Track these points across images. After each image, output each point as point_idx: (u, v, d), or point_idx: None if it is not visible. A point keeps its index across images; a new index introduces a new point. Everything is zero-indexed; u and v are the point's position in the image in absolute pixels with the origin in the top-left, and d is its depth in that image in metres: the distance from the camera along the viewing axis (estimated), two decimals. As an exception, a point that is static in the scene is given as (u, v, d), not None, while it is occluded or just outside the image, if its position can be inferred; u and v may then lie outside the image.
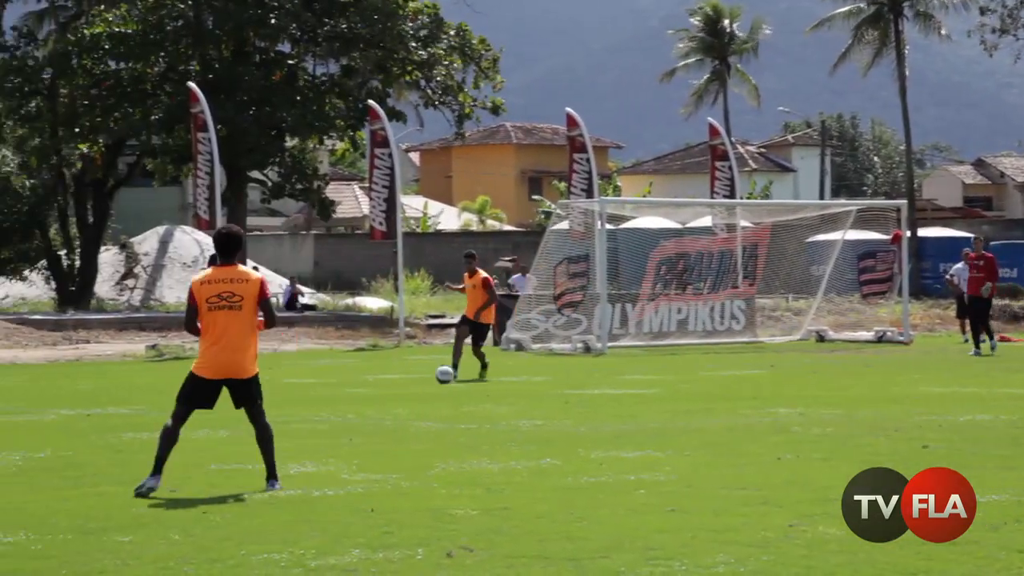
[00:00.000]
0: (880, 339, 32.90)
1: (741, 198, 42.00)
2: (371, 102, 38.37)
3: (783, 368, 25.31)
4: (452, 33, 46.78)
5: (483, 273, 23.64)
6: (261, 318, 11.72)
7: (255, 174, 46.73)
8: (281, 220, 69.97)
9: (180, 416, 11.76)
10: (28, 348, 32.93)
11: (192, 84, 35.56)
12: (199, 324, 11.59)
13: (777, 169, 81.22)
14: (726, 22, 75.15)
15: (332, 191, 53.02)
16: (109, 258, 53.88)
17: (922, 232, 54.58)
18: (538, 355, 30.03)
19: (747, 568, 8.33)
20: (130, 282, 54.03)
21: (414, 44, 46.04)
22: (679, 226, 42.71)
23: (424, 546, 9.14)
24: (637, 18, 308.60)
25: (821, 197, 71.42)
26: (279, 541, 9.33)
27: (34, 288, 51.75)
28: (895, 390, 20.32)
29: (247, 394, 11.76)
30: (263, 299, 11.64)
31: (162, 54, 45.68)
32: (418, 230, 66.72)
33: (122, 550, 9.18)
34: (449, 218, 74.09)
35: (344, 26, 45.66)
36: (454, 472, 12.57)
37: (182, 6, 45.62)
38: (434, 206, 74.52)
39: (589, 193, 35.68)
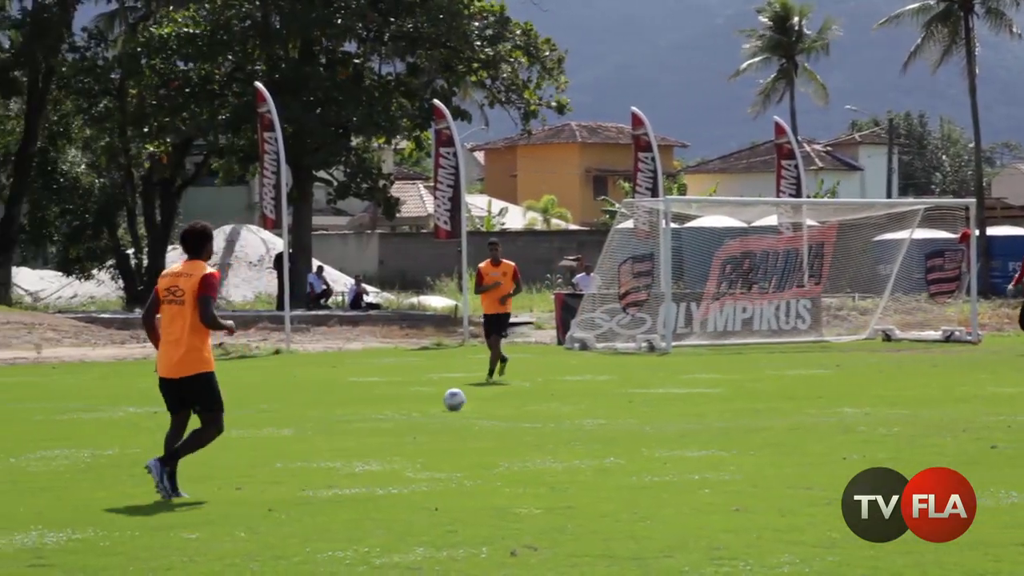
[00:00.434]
0: (948, 338, 32.62)
1: (807, 197, 41.77)
2: (436, 101, 38.44)
3: (849, 368, 25.15)
4: (518, 32, 46.80)
5: (510, 262, 23.04)
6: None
7: (321, 173, 46.94)
8: (346, 219, 70.24)
9: (171, 424, 11.56)
10: (97, 346, 33.23)
11: (259, 84, 35.75)
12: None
13: (844, 168, 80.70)
14: (795, 20, 74.75)
15: (397, 190, 53.19)
16: (176, 257, 54.24)
17: (991, 231, 54.09)
18: (602, 354, 29.98)
19: (812, 569, 8.28)
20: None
21: (479, 43, 46.10)
22: (744, 225, 42.52)
23: (488, 545, 9.14)
24: (703, 16, 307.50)
25: (888, 196, 70.89)
26: (344, 539, 9.36)
27: (103, 287, 52.29)
28: (962, 390, 20.14)
29: (189, 394, 11.34)
30: (199, 295, 11.21)
31: (229, 54, 45.98)
32: (482, 229, 66.79)
33: (188, 547, 9.24)
34: (514, 217, 74.12)
35: (410, 25, 45.78)
36: (518, 471, 12.57)
37: (249, 6, 45.90)
38: (498, 205, 74.55)
39: (654, 192, 35.59)
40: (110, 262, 50.15)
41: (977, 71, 58.09)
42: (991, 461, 12.73)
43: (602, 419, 16.68)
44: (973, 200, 39.83)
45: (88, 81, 47.81)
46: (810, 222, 35.56)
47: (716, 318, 32.48)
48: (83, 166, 51.17)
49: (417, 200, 72.48)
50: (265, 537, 9.52)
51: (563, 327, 33.14)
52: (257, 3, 45.64)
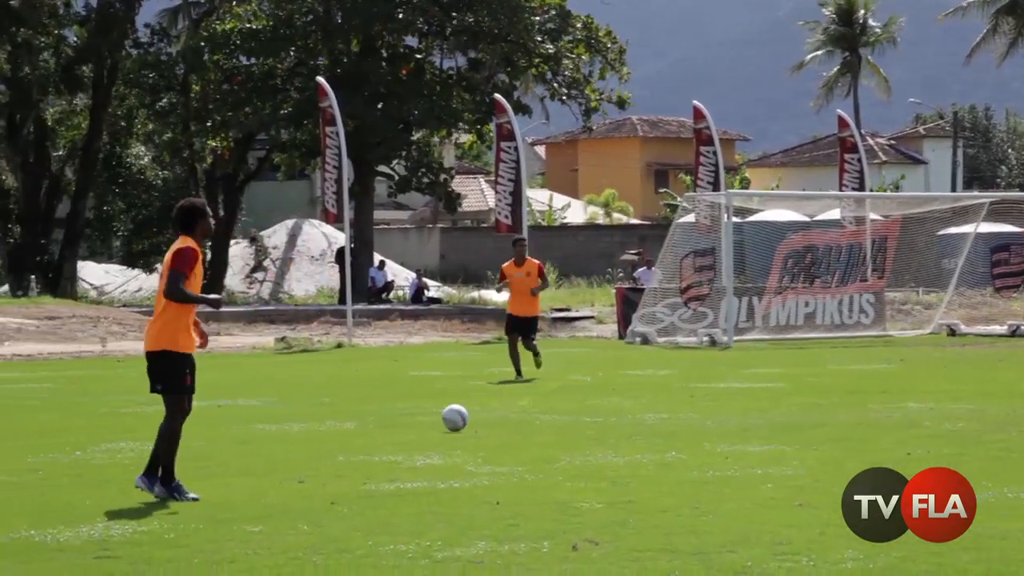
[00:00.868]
0: (1014, 333, 32.33)
1: (870, 191, 41.50)
2: (497, 96, 38.45)
3: (913, 362, 24.97)
4: (579, 26, 46.75)
5: (535, 260, 22.32)
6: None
7: (382, 168, 47.06)
8: (408, 214, 70.43)
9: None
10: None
11: (320, 79, 35.89)
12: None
13: (908, 161, 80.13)
14: (860, 12, 74.30)
15: (458, 184, 53.24)
16: (239, 251, 54.63)
17: (1057, 224, 53.49)
18: (663, 348, 29.92)
19: (876, 565, 8.23)
20: (259, 275, 54.75)
21: (540, 37, 46.07)
22: (807, 219, 42.31)
23: (549, 539, 9.14)
24: (765, 9, 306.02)
25: (953, 189, 70.34)
26: (406, 532, 9.39)
27: (166, 281, 52.51)
28: (1029, 385, 19.96)
29: (153, 372, 10.98)
30: (170, 268, 10.88)
31: (292, 49, 46.19)
32: (543, 223, 66.77)
33: (252, 540, 9.29)
34: (575, 211, 74.07)
35: (471, 20, 45.83)
36: (579, 465, 12.57)
37: (311, 1, 46.08)
38: (560, 199, 74.52)
39: (715, 186, 35.46)
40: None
41: (1043, 63, 57.51)
42: (1057, 457, 12.60)
43: (663, 413, 16.64)
44: (1039, 193, 39.44)
45: (152, 76, 48.16)
46: (873, 216, 35.32)
47: (778, 312, 32.33)
48: (147, 160, 51.56)
49: (478, 194, 72.56)
50: (328, 530, 9.56)
51: (624, 321, 33.08)
52: (319, -2, 45.83)
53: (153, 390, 11.01)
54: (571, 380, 21.76)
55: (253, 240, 55.63)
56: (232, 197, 50.79)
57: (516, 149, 35.40)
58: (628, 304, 33.19)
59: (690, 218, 34.93)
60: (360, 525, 9.71)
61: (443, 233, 64.09)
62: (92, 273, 54.78)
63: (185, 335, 10.97)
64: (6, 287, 48.82)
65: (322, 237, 56.48)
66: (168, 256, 10.95)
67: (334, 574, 8.25)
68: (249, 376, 23.52)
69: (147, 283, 53.04)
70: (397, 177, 46.86)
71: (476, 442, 14.28)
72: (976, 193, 53.48)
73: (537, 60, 46.56)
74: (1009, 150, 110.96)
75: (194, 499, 10.68)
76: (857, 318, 33.27)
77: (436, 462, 12.81)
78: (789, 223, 40.29)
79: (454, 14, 46.04)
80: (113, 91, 48.23)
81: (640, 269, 40.14)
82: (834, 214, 38.54)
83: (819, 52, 76.67)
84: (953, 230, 37.46)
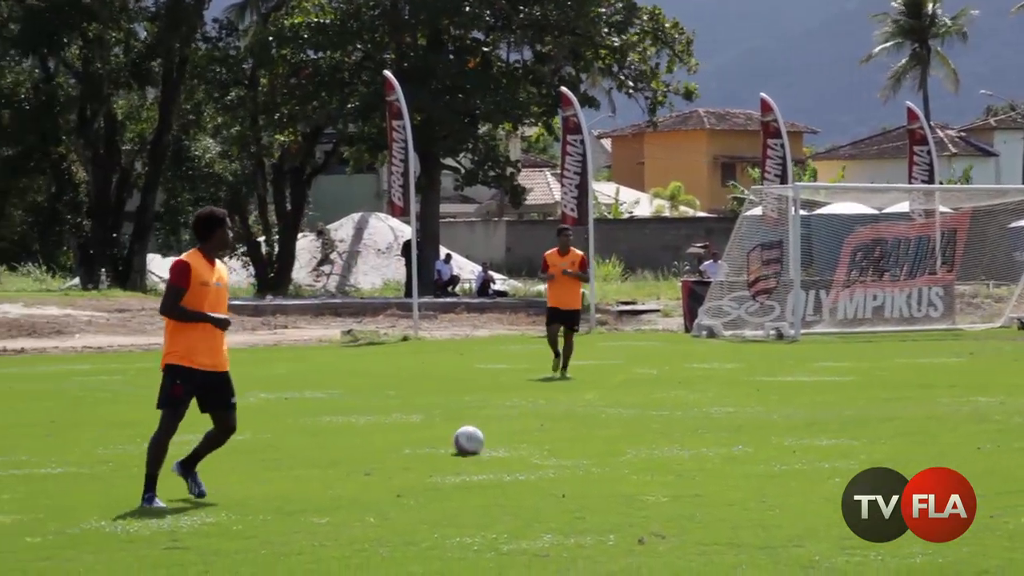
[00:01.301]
0: (1086, 327, 31.96)
1: (940, 183, 41.15)
2: (564, 88, 38.41)
3: (983, 356, 24.75)
4: (645, 18, 46.62)
5: (579, 251, 21.49)
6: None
7: (448, 161, 47.13)
8: (474, 207, 70.50)
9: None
10: (228, 333, 33.63)
11: (388, 72, 35.99)
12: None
13: (978, 153, 79.34)
14: (930, 5, 73.68)
15: (524, 178, 53.23)
16: (306, 244, 54.88)
17: None
18: (730, 341, 29.80)
19: (946, 559, 8.16)
20: (326, 268, 55.00)
21: (607, 30, 45.98)
22: (875, 212, 41.99)
23: (615, 532, 9.14)
24: (834, 1, 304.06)
25: (1024, 182, 69.55)
26: (472, 525, 9.41)
27: (234, 274, 52.93)
28: (1101, 380, 19.73)
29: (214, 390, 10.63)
30: (167, 282, 10.56)
31: (359, 43, 46.32)
32: (609, 216, 66.65)
33: (319, 531, 9.35)
34: (641, 204, 73.88)
35: (538, 13, 45.80)
36: (645, 458, 12.55)
37: (378, -5, 46.18)
38: (627, 193, 74.30)
39: (783, 179, 35.27)
40: (241, 249, 50.81)
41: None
42: None
43: (730, 407, 16.58)
44: (1112, 186, 38.97)
45: (220, 71, 48.44)
46: (943, 208, 35.02)
47: (846, 305, 32.12)
48: (215, 154, 51.91)
49: (544, 187, 72.51)
50: (394, 523, 9.59)
51: (690, 315, 32.97)
52: (386, -8, 45.94)
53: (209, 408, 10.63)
54: (637, 373, 21.71)
55: (320, 233, 55.88)
56: (299, 191, 51.02)
57: (582, 142, 35.35)
58: (694, 297, 33.08)
59: (757, 211, 34.76)
60: (426, 518, 9.74)
61: (509, 226, 64.10)
62: (161, 266, 55.18)
63: (175, 347, 10.41)
64: (77, 280, 49.31)
65: (388, 230, 56.65)
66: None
67: (400, 566, 8.28)
68: (316, 369, 23.63)
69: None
70: (463, 170, 46.90)
71: (542, 435, 14.29)
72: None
73: (603, 52, 46.48)
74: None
75: (160, 507, 10.22)
76: (926, 311, 33.00)
77: (502, 455, 12.82)
78: (857, 216, 40.01)
79: (520, 7, 46.02)
80: (182, 86, 48.58)
81: (706, 262, 40.01)
82: (903, 207, 38.25)
83: (888, 44, 76.06)
84: (1024, 223, 37.08)
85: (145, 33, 49.47)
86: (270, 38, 46.21)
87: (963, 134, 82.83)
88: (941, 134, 74.97)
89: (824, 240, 35.18)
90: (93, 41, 47.13)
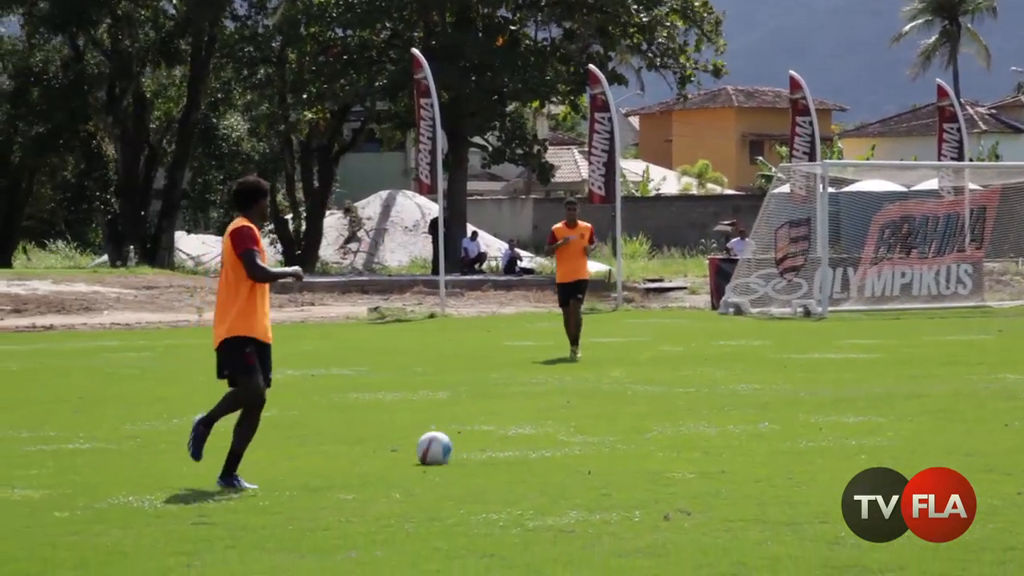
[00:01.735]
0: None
1: (970, 160, 40.94)
2: (592, 67, 38.32)
3: (1011, 333, 24.66)
4: (673, -5, 46.44)
5: (587, 223, 20.75)
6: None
7: (476, 139, 47.09)
8: (501, 184, 70.46)
9: None
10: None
11: (415, 50, 35.97)
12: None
13: (1008, 131, 78.91)
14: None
15: (551, 156, 53.17)
16: (333, 222, 54.96)
17: None
18: (757, 319, 29.76)
19: (973, 536, 8.13)
20: (353, 246, 55.07)
21: (636, 7, 45.83)
22: (904, 189, 41.84)
23: (641, 508, 9.15)
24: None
25: (1054, 159, 69.14)
26: (498, 501, 9.43)
27: (262, 252, 52.95)
28: None
29: (218, 365, 10.39)
30: (238, 252, 10.18)
31: (387, 21, 46.27)
32: (637, 194, 66.54)
33: (345, 507, 9.38)
34: (669, 182, 73.73)
35: (565, -10, 45.66)
36: (671, 435, 12.55)
37: (407, -27, 46.10)
38: (656, 171, 74.11)
39: (811, 156, 35.16)
40: (269, 227, 50.91)
41: None
42: None
43: (756, 384, 16.57)
44: None
45: (249, 49, 48.48)
46: (972, 186, 34.85)
47: (874, 283, 32.03)
48: (243, 132, 51.98)
49: (571, 165, 72.42)
50: (420, 499, 9.62)
51: (717, 292, 32.93)
52: (414, -30, 45.85)
53: (220, 376, 10.42)
54: (664, 351, 21.70)
55: (347, 211, 55.96)
56: (327, 168, 51.09)
57: (610, 120, 35.28)
58: (721, 275, 33.03)
59: (785, 188, 34.67)
60: (452, 494, 9.76)
61: (536, 204, 64.05)
62: (189, 244, 55.37)
63: (240, 318, 10.19)
64: (105, 257, 49.49)
65: (416, 208, 56.67)
66: (227, 240, 10.27)
67: (426, 542, 8.30)
68: (343, 346, 23.69)
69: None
70: (491, 148, 46.86)
71: (568, 412, 14.30)
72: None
73: (632, 30, 46.33)
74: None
75: (248, 487, 10.09)
76: (954, 289, 32.89)
77: (528, 432, 12.84)
78: (886, 193, 39.83)
79: (548, -16, 45.90)
80: (211, 64, 48.64)
81: (733, 240, 39.90)
82: (932, 184, 38.10)
83: (918, 21, 75.68)
84: (1054, 200, 36.85)
85: (174, 11, 49.52)
86: (299, 16, 46.20)
87: (993, 111, 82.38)
88: (971, 111, 74.60)
89: (852, 218, 35.09)
90: (122, 19, 47.22)
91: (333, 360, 20.49)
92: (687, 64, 46.66)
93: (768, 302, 31.29)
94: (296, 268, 10.70)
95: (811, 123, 35.51)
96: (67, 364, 20.57)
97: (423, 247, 52.40)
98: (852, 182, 42.67)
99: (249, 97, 50.75)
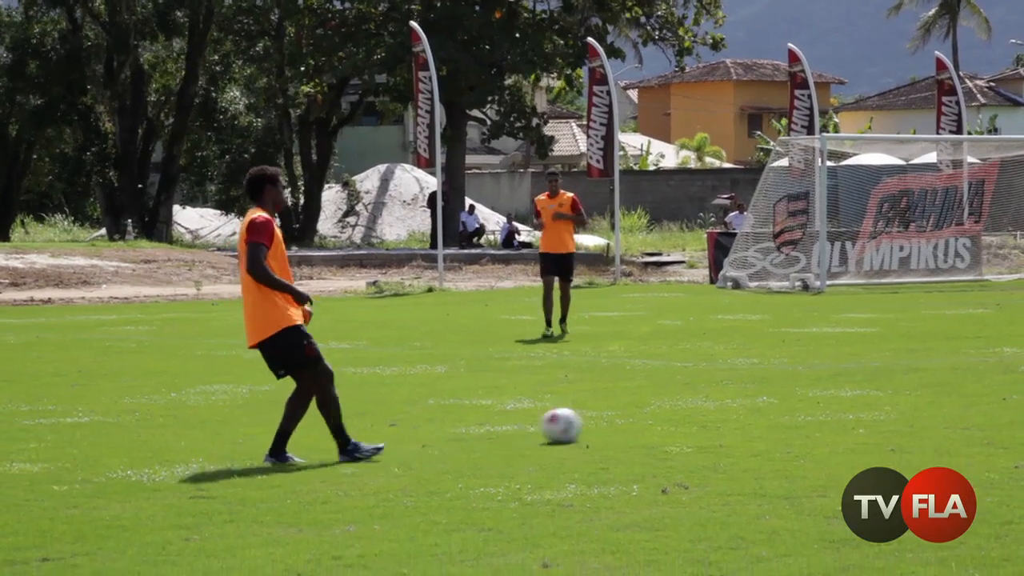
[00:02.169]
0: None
1: (968, 134, 40.91)
2: (590, 39, 38.24)
3: (1010, 307, 24.67)
4: (673, -32, 46.35)
5: (569, 193, 20.18)
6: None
7: (474, 112, 47.01)
8: (499, 158, 70.40)
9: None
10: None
11: (414, 23, 35.89)
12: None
13: (1007, 103, 78.82)
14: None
15: (550, 129, 53.06)
16: (331, 196, 54.91)
17: None
18: (755, 293, 29.77)
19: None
20: (351, 219, 55.04)
21: (635, -21, 45.71)
22: (902, 163, 41.82)
23: (639, 482, 9.16)
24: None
25: (1053, 132, 69.09)
26: (496, 475, 9.44)
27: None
28: None
29: (271, 360, 10.09)
30: (248, 242, 9.90)
31: (385, -7, 46.16)
32: (635, 168, 66.50)
33: (344, 481, 9.39)
34: (667, 155, 73.66)
35: (564, -38, 45.55)
36: (669, 409, 12.56)
37: (404, -55, 45.97)
38: (657, 146, 74.01)
39: (810, 130, 35.11)
40: (267, 200, 50.78)
41: None
42: None
43: (755, 358, 16.58)
44: None
45: (247, 22, 48.33)
46: (971, 159, 34.81)
47: (872, 257, 32.03)
48: (242, 106, 51.89)
49: (570, 139, 72.34)
50: (419, 473, 9.63)
51: (716, 266, 32.93)
52: (412, -58, 45.71)
53: (278, 375, 10.20)
54: (662, 325, 21.71)
55: (346, 185, 55.91)
56: (325, 142, 51.01)
57: (608, 93, 35.23)
58: (720, 248, 33.03)
59: (783, 162, 34.64)
60: (450, 468, 9.78)
61: (534, 178, 63.97)
62: (187, 218, 55.35)
63: (281, 307, 9.96)
64: (103, 230, 49.46)
65: (414, 182, 56.62)
66: (243, 228, 10.04)
67: (424, 515, 8.32)
68: (341, 320, 23.70)
69: (240, 228, 53.50)
70: (489, 122, 46.80)
71: (567, 386, 14.32)
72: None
73: (631, 3, 46.22)
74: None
75: (297, 461, 9.97)
76: (952, 262, 32.89)
77: (526, 406, 12.85)
78: (884, 167, 39.81)
79: (546, -43, 45.78)
80: (208, 36, 48.52)
81: (732, 213, 39.91)
82: (930, 157, 38.07)
83: (917, -7, 75.44)
84: (1053, 173, 36.82)
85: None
86: (296, -12, 46.06)
87: (992, 84, 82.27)
88: (970, 84, 74.49)
89: (850, 191, 35.04)
90: (119, -9, 47.08)
91: (331, 334, 20.48)
92: (685, 37, 46.57)
93: (766, 276, 31.29)
94: (304, 292, 10.15)
95: (810, 96, 35.46)
96: (65, 338, 20.58)
97: (421, 221, 52.38)
98: (851, 156, 42.64)
99: (248, 71, 50.64)
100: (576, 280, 33.71)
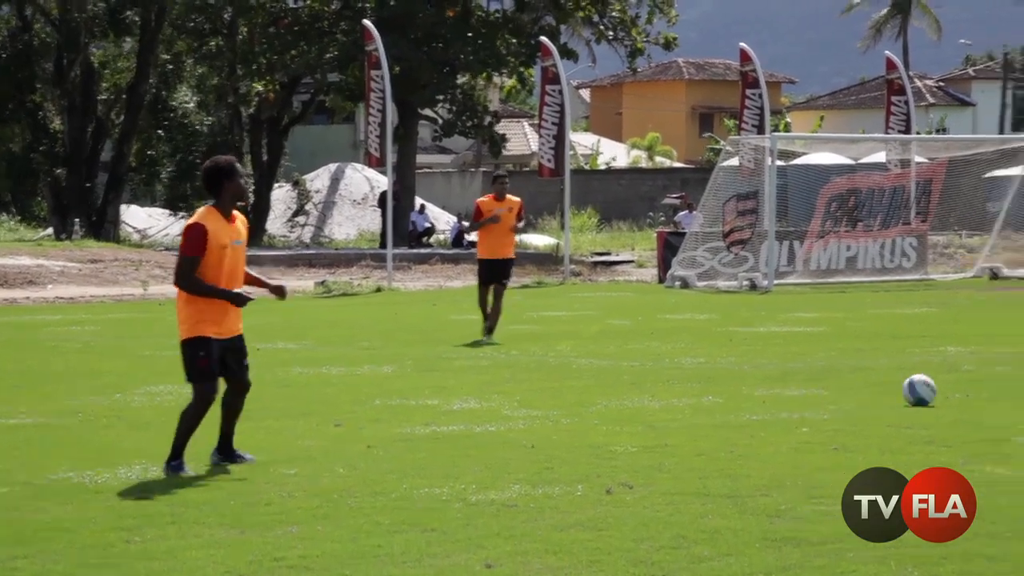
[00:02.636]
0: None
1: (917, 134, 41.16)
2: (543, 39, 38.25)
3: (954, 306, 24.84)
4: (626, -33, 46.43)
5: (516, 198, 19.59)
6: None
7: (426, 111, 46.94)
8: (450, 157, 70.35)
9: None
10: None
11: (367, 22, 35.81)
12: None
13: (956, 103, 79.41)
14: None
15: (501, 128, 53.06)
16: (281, 195, 54.73)
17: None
18: (703, 292, 29.86)
19: (909, 509, 8.22)
20: (301, 219, 54.88)
21: (587, -22, 45.77)
22: (851, 162, 42.05)
23: (584, 482, 9.18)
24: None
25: (1001, 132, 69.71)
26: (441, 475, 9.44)
27: (210, 224, 52.65)
28: (1072, 330, 19.82)
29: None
30: (180, 251, 9.76)
31: (338, -8, 46.05)
32: (587, 167, 66.59)
33: (288, 482, 9.37)
34: (618, 156, 73.79)
35: (517, -39, 45.54)
36: (615, 409, 12.59)
37: (358, -58, 45.83)
38: (608, 145, 74.12)
39: (760, 129, 35.23)
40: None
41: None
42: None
43: (701, 358, 16.63)
44: (1087, 136, 39.00)
45: (199, 20, 48.09)
46: (919, 159, 35.04)
47: (819, 256, 32.18)
48: (192, 105, 51.63)
49: (521, 138, 72.35)
50: (364, 473, 9.62)
51: (665, 265, 33.00)
52: (364, -60, 45.59)
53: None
54: (610, 324, 21.75)
55: (296, 184, 55.74)
56: (276, 141, 50.83)
57: (560, 92, 35.25)
58: (669, 248, 33.10)
59: (733, 161, 34.75)
60: (395, 468, 9.77)
61: (485, 177, 63.97)
62: (135, 217, 55.01)
63: (194, 318, 9.75)
64: (50, 229, 49.10)
65: (364, 181, 56.52)
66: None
67: (368, 516, 8.30)
68: (288, 320, 23.60)
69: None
70: (441, 120, 46.74)
71: (513, 386, 14.32)
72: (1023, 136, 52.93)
73: (584, 2, 46.27)
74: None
75: (188, 472, 9.69)
76: (899, 262, 33.09)
77: (472, 406, 12.85)
78: (833, 166, 40.03)
79: (500, -45, 45.77)
80: (160, 35, 48.24)
81: (681, 213, 40.01)
82: (879, 157, 38.30)
83: (868, -7, 75.82)
84: (999, 173, 37.13)
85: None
86: (249, -14, 45.87)
87: (941, 84, 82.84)
88: (919, 84, 74.99)
89: (800, 190, 35.22)
90: (70, -11, 46.77)
91: (279, 334, 20.41)
92: (638, 37, 46.66)
93: (714, 275, 31.39)
94: (239, 294, 9.86)
95: (761, 96, 35.60)
96: (9, 338, 20.42)
97: (371, 220, 52.28)
98: (800, 155, 42.83)
99: (200, 70, 50.39)
100: (525, 279, 33.82)
